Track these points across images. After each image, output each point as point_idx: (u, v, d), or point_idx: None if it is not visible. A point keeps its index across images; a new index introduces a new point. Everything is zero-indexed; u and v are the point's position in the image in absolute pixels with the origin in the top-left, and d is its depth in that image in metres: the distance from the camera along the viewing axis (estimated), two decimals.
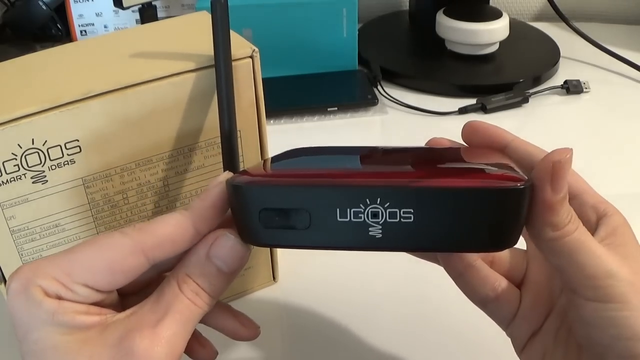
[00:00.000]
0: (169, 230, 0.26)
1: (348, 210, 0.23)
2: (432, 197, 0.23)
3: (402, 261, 0.33)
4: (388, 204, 0.23)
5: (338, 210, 0.24)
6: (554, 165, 0.24)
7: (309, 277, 0.44)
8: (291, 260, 0.43)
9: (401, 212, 0.23)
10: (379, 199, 0.23)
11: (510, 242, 0.24)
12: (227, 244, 0.27)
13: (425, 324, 0.40)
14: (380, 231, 0.23)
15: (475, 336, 0.38)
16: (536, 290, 0.31)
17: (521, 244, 0.34)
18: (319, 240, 0.24)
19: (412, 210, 0.23)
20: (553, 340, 0.30)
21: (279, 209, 0.24)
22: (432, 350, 0.39)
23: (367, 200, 0.23)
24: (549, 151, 0.25)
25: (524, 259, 0.32)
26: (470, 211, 0.23)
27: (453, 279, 0.32)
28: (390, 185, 0.23)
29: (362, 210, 0.23)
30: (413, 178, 0.24)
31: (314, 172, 0.27)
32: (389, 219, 0.23)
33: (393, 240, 0.23)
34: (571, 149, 0.24)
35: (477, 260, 0.31)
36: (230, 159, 0.32)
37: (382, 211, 0.23)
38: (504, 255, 0.33)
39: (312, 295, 0.42)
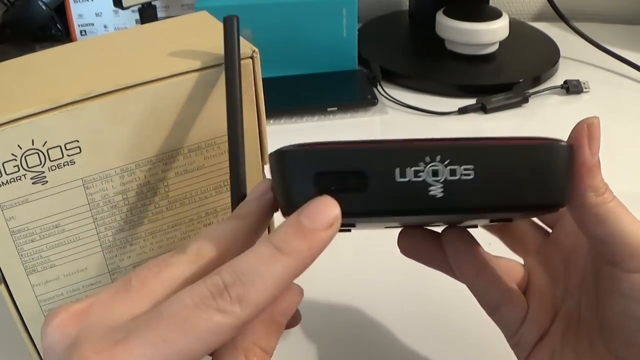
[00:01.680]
0: (272, 294, 0.23)
1: (408, 169, 0.23)
2: (492, 153, 0.23)
3: (401, 261, 0.33)
4: (448, 160, 0.23)
5: (397, 170, 0.23)
6: (589, 128, 0.25)
7: (308, 277, 0.44)
8: None
9: (462, 169, 0.23)
10: (439, 157, 0.23)
11: (562, 200, 0.24)
12: (289, 296, 0.26)
13: (425, 323, 0.40)
14: (442, 190, 0.23)
15: (475, 336, 0.38)
16: (540, 296, 0.32)
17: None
18: (377, 205, 0.23)
19: (472, 167, 0.23)
20: (560, 342, 0.30)
21: (336, 171, 0.23)
22: (432, 349, 0.39)
23: (427, 158, 0.23)
24: None
25: (524, 271, 0.33)
26: (527, 167, 0.23)
27: (467, 284, 0.32)
28: (451, 143, 0.23)
29: (423, 169, 0.23)
30: (469, 140, 0.24)
31: (367, 140, 0.25)
32: (450, 176, 0.23)
33: (453, 199, 0.23)
34: (597, 117, 0.26)
35: (489, 262, 0.31)
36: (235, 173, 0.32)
37: (442, 169, 0.23)
38: (506, 267, 0.33)
39: (312, 295, 0.42)
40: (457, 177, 0.23)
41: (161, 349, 0.22)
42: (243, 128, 0.31)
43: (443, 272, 0.33)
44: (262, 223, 0.27)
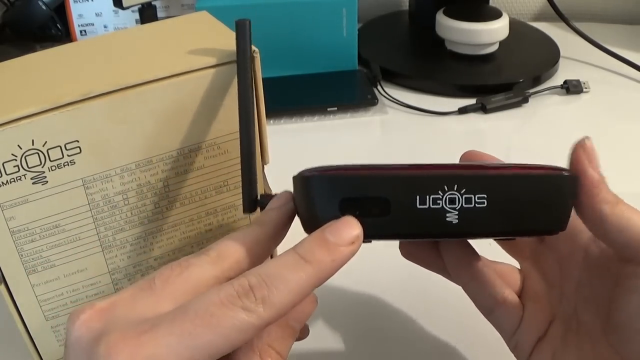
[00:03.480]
0: (294, 299, 0.25)
1: (427, 197, 0.25)
2: (504, 183, 0.25)
3: (401, 261, 0.33)
4: (464, 190, 0.25)
5: (418, 197, 0.25)
6: (584, 150, 0.28)
7: None
8: None
9: (476, 198, 0.25)
10: (456, 186, 0.25)
11: (563, 226, 0.27)
12: (304, 304, 0.27)
13: (425, 322, 0.40)
14: (457, 217, 0.25)
15: (475, 335, 0.38)
16: (536, 299, 0.32)
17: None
18: (398, 229, 0.25)
19: (485, 196, 0.25)
20: (561, 344, 0.31)
21: (361, 197, 0.25)
22: (432, 348, 0.39)
23: (446, 187, 0.25)
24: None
25: (520, 275, 0.34)
26: (535, 196, 0.26)
27: (463, 287, 0.33)
28: (467, 172, 0.25)
29: (441, 197, 0.25)
30: (483, 169, 0.26)
31: (387, 165, 0.27)
32: (465, 204, 0.25)
33: (468, 225, 0.25)
34: (587, 137, 0.28)
35: (484, 267, 0.32)
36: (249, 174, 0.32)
37: (458, 197, 0.25)
38: (502, 271, 0.34)
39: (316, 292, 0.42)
40: (471, 205, 0.25)
41: (186, 341, 0.23)
42: (254, 131, 0.32)
43: (441, 274, 0.34)
44: (281, 231, 0.29)
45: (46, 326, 0.36)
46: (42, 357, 0.37)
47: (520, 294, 0.33)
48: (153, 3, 0.68)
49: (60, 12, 0.75)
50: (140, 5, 0.67)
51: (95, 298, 0.36)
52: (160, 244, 0.37)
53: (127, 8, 0.65)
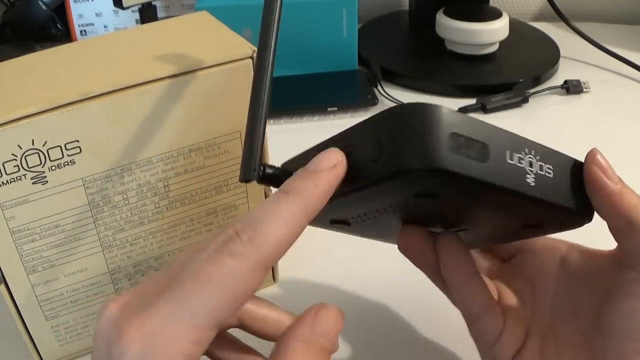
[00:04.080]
0: (285, 231, 0.24)
1: (515, 154, 0.26)
2: (566, 162, 0.29)
3: (400, 261, 0.33)
4: (539, 157, 0.27)
5: (508, 152, 0.26)
6: (597, 163, 0.29)
7: (308, 277, 0.44)
8: (290, 261, 0.43)
9: (546, 167, 0.27)
10: (533, 151, 0.27)
11: (591, 216, 0.29)
12: (328, 316, 0.25)
13: (423, 322, 0.40)
14: (534, 179, 0.27)
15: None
16: (512, 312, 0.33)
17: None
18: (491, 176, 0.25)
19: (552, 167, 0.28)
20: (540, 356, 0.31)
21: (469, 137, 0.25)
22: (431, 348, 0.39)
23: (526, 149, 0.27)
24: None
25: (494, 288, 0.34)
26: (579, 181, 0.29)
27: (453, 291, 0.32)
28: (537, 144, 0.28)
29: (524, 157, 0.27)
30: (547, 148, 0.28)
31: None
32: (539, 170, 0.27)
33: (539, 189, 0.27)
34: (595, 149, 0.30)
35: (477, 271, 0.32)
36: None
37: (535, 162, 0.27)
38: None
39: (312, 295, 0.42)
40: (543, 173, 0.27)
41: (184, 305, 0.22)
42: (270, 67, 0.29)
43: (431, 277, 0.34)
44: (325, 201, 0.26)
45: (46, 326, 0.36)
46: (42, 357, 0.37)
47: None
48: (153, 3, 0.68)
49: (60, 12, 0.75)
50: (140, 5, 0.67)
51: (95, 298, 0.36)
52: (160, 244, 0.37)
53: (127, 8, 0.64)
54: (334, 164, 0.25)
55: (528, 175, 0.26)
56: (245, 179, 0.27)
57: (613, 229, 0.29)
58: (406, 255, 0.33)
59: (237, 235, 0.23)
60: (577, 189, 0.28)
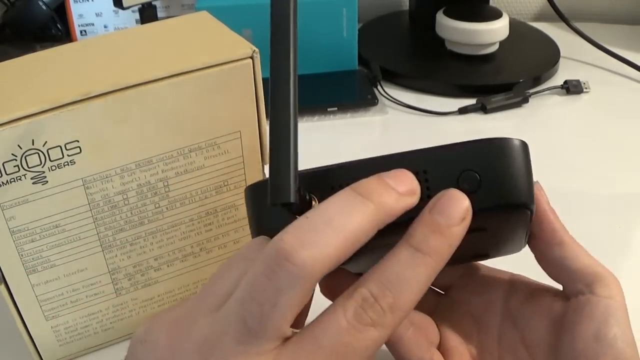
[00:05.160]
0: (420, 296, 0.23)
1: None
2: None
3: None
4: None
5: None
6: (540, 189, 0.28)
7: None
8: None
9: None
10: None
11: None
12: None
13: None
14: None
15: None
16: (457, 352, 0.32)
17: None
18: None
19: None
20: None
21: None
22: None
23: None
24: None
25: (437, 329, 0.33)
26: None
27: (391, 346, 0.31)
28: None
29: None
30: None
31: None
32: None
33: None
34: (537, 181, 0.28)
35: (408, 326, 0.31)
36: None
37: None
38: (420, 323, 0.32)
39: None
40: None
41: None
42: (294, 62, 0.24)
43: None
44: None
45: (46, 326, 0.36)
46: (42, 357, 0.37)
47: (439, 347, 0.32)
48: (153, 3, 0.68)
49: (60, 12, 0.75)
50: (140, 5, 0.67)
51: (95, 298, 0.36)
52: (160, 244, 0.37)
53: (127, 8, 0.64)
54: (464, 216, 0.24)
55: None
56: (278, 201, 0.23)
57: (545, 258, 0.29)
58: (330, 299, 0.29)
59: (377, 302, 0.22)
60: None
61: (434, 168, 0.25)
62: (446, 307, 0.33)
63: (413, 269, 0.23)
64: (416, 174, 0.25)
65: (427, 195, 0.25)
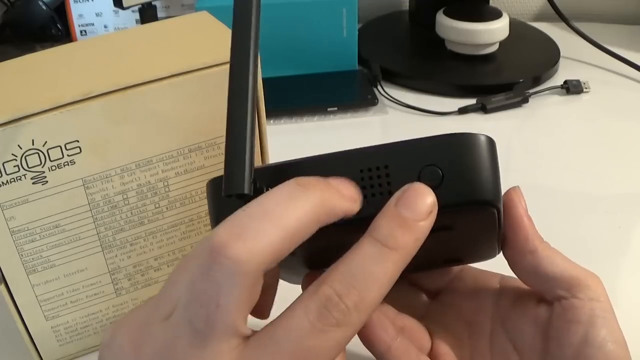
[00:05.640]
0: (385, 292, 0.23)
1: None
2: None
3: None
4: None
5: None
6: (517, 193, 0.28)
7: None
8: None
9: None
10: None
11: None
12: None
13: None
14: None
15: None
16: (448, 357, 0.31)
17: None
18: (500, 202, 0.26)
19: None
20: None
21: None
22: None
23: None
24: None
25: (427, 335, 0.32)
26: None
27: (379, 357, 0.30)
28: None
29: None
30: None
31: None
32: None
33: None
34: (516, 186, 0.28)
35: (401, 329, 0.31)
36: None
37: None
38: (410, 329, 0.32)
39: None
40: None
41: None
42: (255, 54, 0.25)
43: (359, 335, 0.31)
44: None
45: (46, 326, 0.36)
46: (42, 357, 0.37)
47: (430, 353, 0.32)
48: (153, 3, 0.68)
49: (60, 12, 0.75)
50: (140, 5, 0.67)
51: (95, 298, 0.36)
52: (160, 244, 0.37)
53: (127, 8, 0.65)
54: (430, 210, 0.23)
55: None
56: (232, 192, 0.23)
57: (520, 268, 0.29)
58: None
59: (342, 301, 0.22)
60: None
61: (396, 163, 0.25)
62: (437, 312, 0.33)
63: (379, 264, 0.22)
64: (377, 169, 0.25)
65: (387, 190, 0.25)
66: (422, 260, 0.24)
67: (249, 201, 0.22)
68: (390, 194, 0.24)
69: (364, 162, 0.25)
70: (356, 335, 0.24)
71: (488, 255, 0.31)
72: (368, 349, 0.30)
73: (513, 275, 0.30)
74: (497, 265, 0.32)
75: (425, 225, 0.23)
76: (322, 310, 0.21)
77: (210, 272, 0.21)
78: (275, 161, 0.27)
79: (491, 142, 0.25)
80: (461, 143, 0.25)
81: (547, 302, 0.29)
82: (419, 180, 0.24)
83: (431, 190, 0.24)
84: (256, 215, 0.21)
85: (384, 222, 0.23)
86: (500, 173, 0.26)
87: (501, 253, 0.30)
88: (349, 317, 0.22)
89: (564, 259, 0.28)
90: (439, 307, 0.33)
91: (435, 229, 0.24)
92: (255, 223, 0.21)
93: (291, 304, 0.23)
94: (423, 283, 0.34)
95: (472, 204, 0.25)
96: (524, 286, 0.31)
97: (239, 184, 0.22)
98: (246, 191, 0.22)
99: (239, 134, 0.23)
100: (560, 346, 0.27)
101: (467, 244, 0.30)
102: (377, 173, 0.25)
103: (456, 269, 0.33)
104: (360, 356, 0.39)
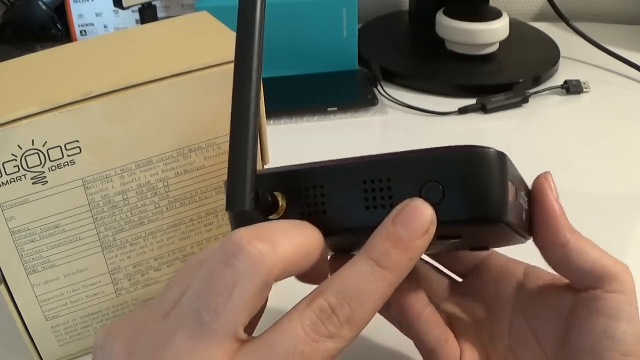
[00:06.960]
0: (377, 309, 0.23)
1: (519, 193, 0.27)
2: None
3: None
4: (522, 192, 0.28)
5: (522, 192, 0.27)
6: (548, 181, 0.28)
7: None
8: None
9: (521, 195, 0.28)
10: (523, 191, 0.28)
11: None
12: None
13: None
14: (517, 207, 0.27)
15: None
16: (470, 338, 0.32)
17: None
18: (514, 218, 0.25)
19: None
20: None
21: (515, 185, 0.26)
22: None
23: (521, 190, 0.27)
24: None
25: (446, 316, 0.33)
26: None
27: (407, 325, 0.31)
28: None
29: (520, 195, 0.27)
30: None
31: None
32: (522, 202, 0.28)
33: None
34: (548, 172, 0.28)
35: (429, 304, 0.31)
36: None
37: (523, 195, 0.28)
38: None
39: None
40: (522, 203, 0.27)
41: None
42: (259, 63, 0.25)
43: (382, 313, 0.33)
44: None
45: (46, 326, 0.36)
46: (42, 357, 0.37)
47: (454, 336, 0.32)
48: (153, 3, 0.68)
49: (60, 12, 0.75)
50: (140, 5, 0.67)
51: (95, 298, 0.36)
52: (160, 244, 0.37)
53: (127, 8, 0.65)
54: (427, 228, 0.23)
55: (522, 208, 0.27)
56: (233, 210, 0.23)
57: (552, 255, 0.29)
58: None
59: (334, 314, 0.22)
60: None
61: (398, 176, 0.24)
62: (460, 292, 0.33)
63: (372, 283, 0.23)
64: (380, 181, 0.25)
65: (389, 204, 0.24)
66: (448, 248, 0.24)
67: (249, 216, 0.24)
68: (392, 206, 0.24)
69: (367, 173, 0.25)
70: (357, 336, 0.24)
71: (515, 243, 0.30)
72: (398, 315, 0.31)
73: (539, 262, 0.30)
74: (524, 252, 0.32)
75: (421, 243, 0.23)
76: (316, 321, 0.23)
77: (234, 260, 0.22)
78: (275, 162, 0.27)
79: (501, 157, 0.24)
80: (466, 160, 0.24)
81: (573, 290, 0.29)
82: (420, 194, 0.24)
83: (430, 207, 0.24)
84: (280, 227, 0.23)
85: (378, 241, 0.23)
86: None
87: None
88: (340, 331, 0.22)
89: (594, 248, 0.28)
90: (462, 291, 0.33)
91: (443, 237, 0.24)
92: (279, 231, 0.23)
93: (289, 311, 0.23)
94: (448, 266, 0.34)
95: (474, 221, 0.24)
96: (549, 275, 0.31)
97: (240, 201, 0.23)
98: (247, 207, 0.23)
99: (240, 150, 0.23)
100: (580, 334, 0.28)
101: (485, 241, 0.29)
102: (379, 185, 0.25)
103: (483, 254, 0.33)
104: (360, 356, 0.39)
